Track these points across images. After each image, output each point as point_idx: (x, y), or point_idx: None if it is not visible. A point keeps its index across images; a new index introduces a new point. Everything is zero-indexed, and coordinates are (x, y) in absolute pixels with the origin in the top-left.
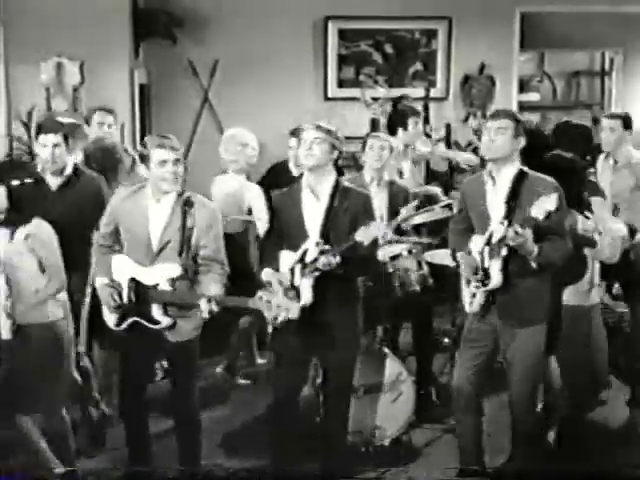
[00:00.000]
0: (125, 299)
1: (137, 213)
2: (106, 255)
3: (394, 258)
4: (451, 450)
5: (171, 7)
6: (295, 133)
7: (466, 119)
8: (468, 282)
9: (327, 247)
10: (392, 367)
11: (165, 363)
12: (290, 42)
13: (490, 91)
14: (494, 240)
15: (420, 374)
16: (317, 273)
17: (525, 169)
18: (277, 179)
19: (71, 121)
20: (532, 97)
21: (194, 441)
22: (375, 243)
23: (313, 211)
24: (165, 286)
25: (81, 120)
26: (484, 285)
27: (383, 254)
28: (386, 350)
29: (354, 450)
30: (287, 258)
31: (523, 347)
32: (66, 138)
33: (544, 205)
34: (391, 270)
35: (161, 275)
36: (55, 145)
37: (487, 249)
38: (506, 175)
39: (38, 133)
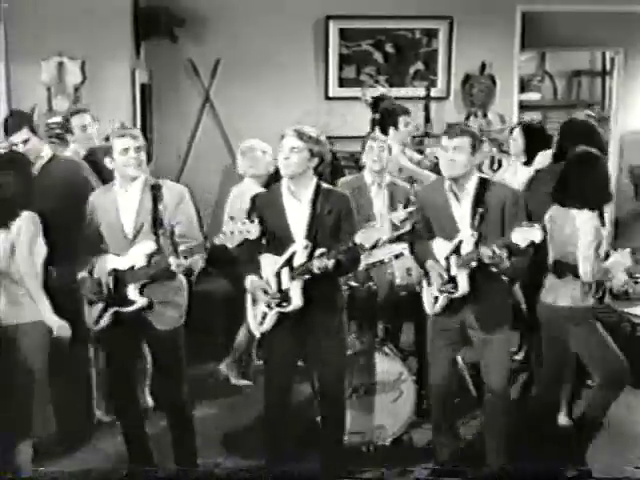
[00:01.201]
0: (104, 291)
1: (108, 205)
2: (88, 255)
3: (395, 257)
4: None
5: (172, 6)
6: None
7: (467, 118)
8: (429, 283)
9: (322, 250)
10: (393, 367)
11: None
12: (291, 41)
13: (491, 91)
14: (464, 252)
15: (421, 374)
16: (307, 276)
17: (485, 177)
18: None
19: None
20: (533, 96)
21: (188, 434)
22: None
23: (297, 215)
24: (142, 263)
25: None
26: (451, 293)
27: (384, 254)
28: (387, 350)
29: (355, 450)
30: (269, 261)
31: (496, 350)
32: (32, 130)
33: (528, 235)
34: (392, 270)
35: (137, 254)
36: (25, 141)
37: (454, 258)
38: (468, 188)
39: (5, 134)
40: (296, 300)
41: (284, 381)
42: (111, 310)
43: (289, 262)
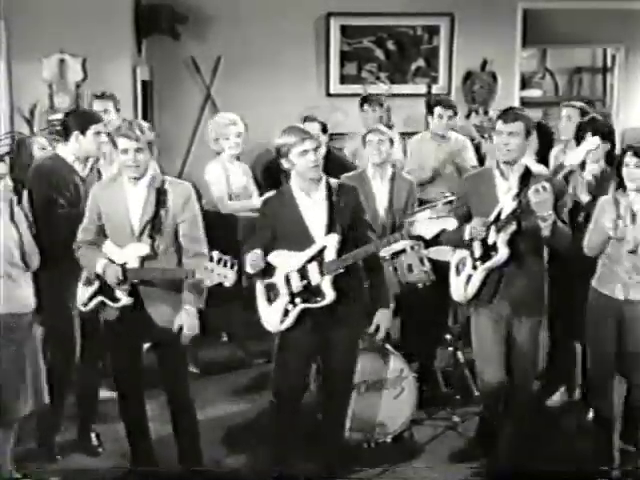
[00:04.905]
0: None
1: (117, 197)
2: (93, 249)
3: (397, 254)
4: (453, 446)
5: (174, 4)
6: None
7: (468, 115)
8: (457, 271)
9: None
10: (394, 363)
11: None
12: (292, 39)
13: (492, 87)
14: (504, 214)
15: (422, 371)
16: (341, 270)
17: (527, 164)
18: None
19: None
20: (534, 93)
21: (192, 434)
22: None
23: (313, 212)
24: (134, 264)
25: None
26: (484, 262)
27: (387, 250)
28: (388, 346)
29: (356, 447)
30: (286, 257)
31: (526, 336)
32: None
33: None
34: (394, 266)
35: (130, 254)
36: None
37: (493, 227)
38: (517, 169)
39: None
40: (329, 294)
41: (298, 380)
42: (100, 298)
43: (315, 257)
